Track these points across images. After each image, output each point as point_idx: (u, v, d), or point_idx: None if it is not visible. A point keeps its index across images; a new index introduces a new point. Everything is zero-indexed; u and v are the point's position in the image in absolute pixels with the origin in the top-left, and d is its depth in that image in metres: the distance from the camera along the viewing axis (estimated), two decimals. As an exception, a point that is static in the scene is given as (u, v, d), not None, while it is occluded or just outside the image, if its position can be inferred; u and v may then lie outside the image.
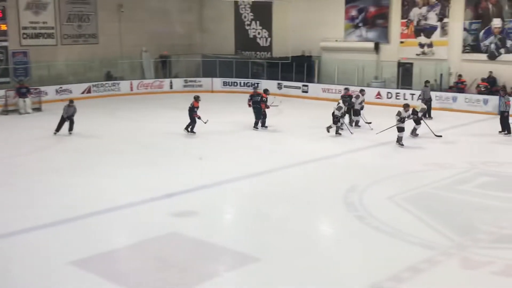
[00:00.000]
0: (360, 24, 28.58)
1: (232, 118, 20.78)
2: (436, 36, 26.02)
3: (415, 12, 26.54)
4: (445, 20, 25.69)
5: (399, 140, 16.29)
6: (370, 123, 18.90)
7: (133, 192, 11.87)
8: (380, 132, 17.00)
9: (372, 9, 28.10)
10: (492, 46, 24.38)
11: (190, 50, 32.96)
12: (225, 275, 8.22)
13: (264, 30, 32.06)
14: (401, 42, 27.17)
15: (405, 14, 26.86)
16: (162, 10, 31.95)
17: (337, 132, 17.74)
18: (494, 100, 22.21)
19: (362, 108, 19.34)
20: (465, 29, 25.08)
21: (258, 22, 32.23)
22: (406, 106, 16.60)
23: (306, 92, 25.99)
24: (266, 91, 19.64)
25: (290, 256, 8.64)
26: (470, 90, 24.12)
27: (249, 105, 19.16)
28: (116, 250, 9.01)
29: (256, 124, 18.96)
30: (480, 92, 23.49)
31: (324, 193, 12.03)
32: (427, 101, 21.16)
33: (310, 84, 27.82)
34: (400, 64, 27.04)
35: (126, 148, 16.29)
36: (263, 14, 31.90)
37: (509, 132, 18.05)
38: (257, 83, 27.42)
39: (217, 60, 30.61)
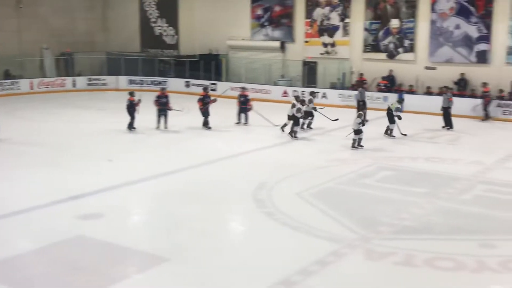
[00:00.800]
0: (266, 23, 28.99)
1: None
2: (338, 35, 26.88)
3: (318, 12, 27.27)
4: (347, 20, 26.60)
5: (358, 143, 16.20)
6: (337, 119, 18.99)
7: (37, 195, 11.40)
8: (348, 135, 16.69)
9: (277, 9, 28.58)
10: (391, 45, 25.52)
11: (94, 47, 32.08)
12: (134, 277, 8.09)
13: (170, 28, 31.76)
14: (306, 42, 27.83)
15: (309, 14, 27.54)
16: (63, 7, 30.90)
17: (294, 136, 17.44)
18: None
19: (315, 109, 19.30)
20: (365, 29, 26.08)
21: (164, 19, 31.88)
22: (360, 116, 16.48)
23: (214, 90, 26.00)
24: (205, 89, 19.52)
25: (200, 256, 8.63)
26: (371, 88, 25.12)
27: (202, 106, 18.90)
28: (20, 256, 8.62)
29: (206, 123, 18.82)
30: (380, 90, 24.52)
31: (234, 191, 12.12)
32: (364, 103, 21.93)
33: (218, 83, 27.87)
34: (305, 63, 27.70)
35: (27, 150, 15.60)
36: (169, 12, 31.59)
37: (451, 127, 19.04)
38: (165, 81, 27.15)
39: (122, 57, 29.98)
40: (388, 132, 18.00)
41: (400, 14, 25.16)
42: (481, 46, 23.42)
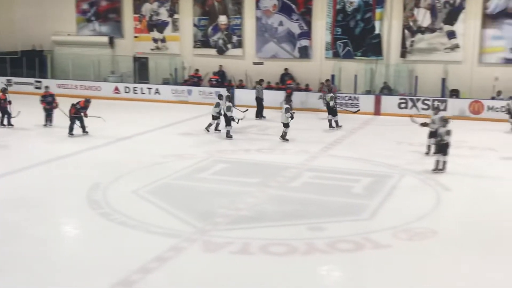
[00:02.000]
0: (92, 18, 28.12)
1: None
2: (168, 31, 26.91)
3: (147, 7, 27.05)
4: (176, 16, 26.72)
5: (284, 136, 16.67)
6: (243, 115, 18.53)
7: None
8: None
9: (104, 3, 27.86)
10: (220, 41, 26.11)
11: None
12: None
13: (-14, 22, 29.43)
14: (136, 37, 27.46)
15: (137, 9, 27.21)
16: None
17: (228, 136, 17.02)
18: (225, 92, 23.81)
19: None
20: (194, 25, 26.41)
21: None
22: (288, 110, 16.80)
23: (40, 88, 24.63)
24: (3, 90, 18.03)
25: (34, 264, 8.19)
26: (203, 84, 25.52)
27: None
28: None
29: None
30: (212, 85, 25.00)
31: (67, 193, 11.61)
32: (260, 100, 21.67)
33: (43, 80, 26.41)
34: (135, 59, 27.33)
35: None
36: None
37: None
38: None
39: None
40: (333, 125, 18.89)
41: (228, 11, 25.84)
42: (303, 42, 24.91)
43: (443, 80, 22.18)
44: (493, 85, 21.76)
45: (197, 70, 25.72)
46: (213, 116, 17.91)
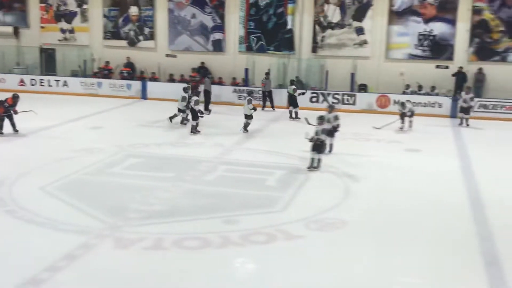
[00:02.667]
0: (-5, 7, 26.73)
1: None
2: (76, 22, 26.09)
3: (54, -3, 26.07)
4: (85, 6, 25.93)
5: (246, 127, 17.08)
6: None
7: None
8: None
9: (7, -9, 26.54)
10: (132, 33, 25.59)
11: None
12: None
13: None
14: (42, 27, 26.38)
15: (44, -2, 26.15)
16: None
17: (194, 131, 16.64)
18: (136, 85, 23.40)
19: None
20: (105, 16, 25.74)
21: None
22: (250, 101, 17.01)
23: None
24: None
25: None
26: (113, 76, 24.91)
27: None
28: None
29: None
30: (123, 78, 24.46)
31: (-34, 191, 11.00)
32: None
33: None
34: (42, 50, 26.26)
35: None
36: None
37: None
38: None
39: None
40: (293, 115, 19.58)
41: (139, 1, 25.37)
42: (217, 35, 24.89)
43: (352, 75, 22.87)
44: (402, 80, 22.67)
45: (107, 62, 25.07)
46: (179, 109, 17.73)
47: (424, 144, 16.23)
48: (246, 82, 23.74)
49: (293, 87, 20.08)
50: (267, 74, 22.43)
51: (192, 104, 16.73)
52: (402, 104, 18.20)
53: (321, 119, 13.36)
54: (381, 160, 14.25)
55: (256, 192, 11.52)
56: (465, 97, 19.68)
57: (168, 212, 10.16)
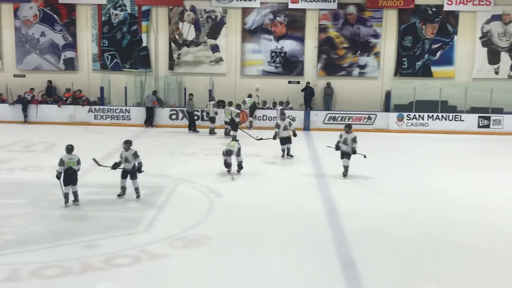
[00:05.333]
0: None
1: None
2: None
3: None
4: None
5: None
6: None
7: None
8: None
9: None
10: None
11: None
12: None
13: None
14: None
15: None
16: None
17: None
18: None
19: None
20: None
21: None
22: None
23: None
24: None
25: None
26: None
27: None
28: None
29: None
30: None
31: None
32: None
33: None
34: None
35: None
36: None
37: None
38: None
39: None
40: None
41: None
42: (68, 54, 24.03)
43: (210, 91, 23.20)
44: (257, 96, 23.41)
45: None
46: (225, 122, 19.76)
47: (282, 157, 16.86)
48: (101, 100, 23.13)
49: (238, 111, 19.65)
50: (191, 95, 21.93)
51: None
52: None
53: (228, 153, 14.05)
54: (242, 173, 14.54)
55: (117, 213, 11.25)
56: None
57: (23, 241, 9.57)
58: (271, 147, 17.36)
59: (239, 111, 19.84)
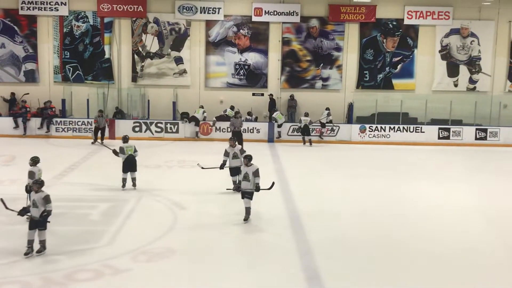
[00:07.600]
0: None
1: None
2: None
3: None
4: None
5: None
6: None
7: None
8: None
9: None
10: None
11: None
12: None
13: None
14: None
15: None
16: None
17: None
18: None
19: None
20: None
21: None
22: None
23: None
24: None
25: None
26: None
27: None
28: None
29: None
30: None
31: None
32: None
33: None
34: None
35: None
36: None
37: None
38: None
39: None
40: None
41: None
42: (29, 65, 23.65)
43: (174, 103, 23.10)
44: (251, 108, 23.50)
45: None
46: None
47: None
48: (63, 113, 22.79)
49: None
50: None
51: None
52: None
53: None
54: (207, 185, 14.49)
55: (79, 227, 11.08)
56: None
57: (-19, 257, 9.34)
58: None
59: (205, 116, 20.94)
